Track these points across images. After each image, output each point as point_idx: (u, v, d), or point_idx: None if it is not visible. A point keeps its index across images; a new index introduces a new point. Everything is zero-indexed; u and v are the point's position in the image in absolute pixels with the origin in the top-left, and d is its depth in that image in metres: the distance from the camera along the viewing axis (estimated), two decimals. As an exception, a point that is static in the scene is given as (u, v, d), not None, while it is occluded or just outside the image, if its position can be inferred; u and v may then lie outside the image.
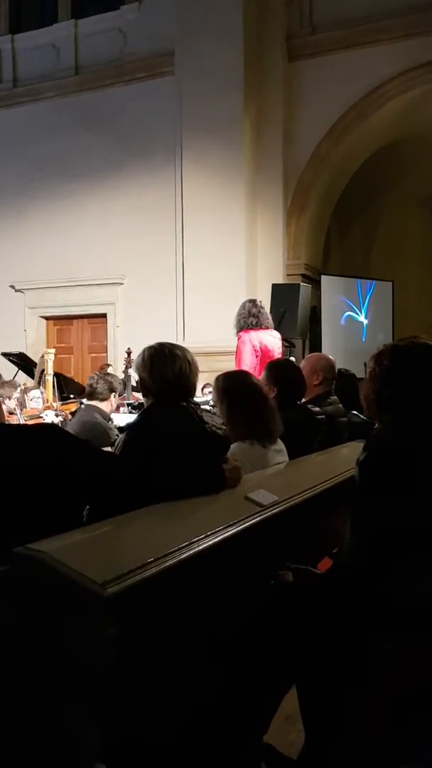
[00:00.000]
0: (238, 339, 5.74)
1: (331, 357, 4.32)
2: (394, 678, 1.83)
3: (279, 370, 3.76)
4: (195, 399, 2.54)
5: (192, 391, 2.48)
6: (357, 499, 1.97)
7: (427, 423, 1.95)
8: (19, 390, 6.09)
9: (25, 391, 6.52)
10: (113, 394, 4.74)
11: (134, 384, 7.03)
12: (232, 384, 3.04)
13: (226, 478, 2.23)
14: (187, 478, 2.14)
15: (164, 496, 2.04)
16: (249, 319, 5.74)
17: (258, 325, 5.74)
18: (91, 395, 4.74)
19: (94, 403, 4.71)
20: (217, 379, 3.09)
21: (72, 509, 2.00)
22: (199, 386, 2.74)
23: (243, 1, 9.38)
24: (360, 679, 1.87)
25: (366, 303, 10.93)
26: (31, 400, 6.48)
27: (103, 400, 4.68)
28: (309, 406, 3.84)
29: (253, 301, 5.93)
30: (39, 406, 6.40)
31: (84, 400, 4.92)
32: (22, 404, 6.12)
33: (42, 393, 6.67)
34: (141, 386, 2.54)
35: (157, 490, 2.05)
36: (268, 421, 3.00)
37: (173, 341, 2.70)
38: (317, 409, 3.83)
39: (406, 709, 1.84)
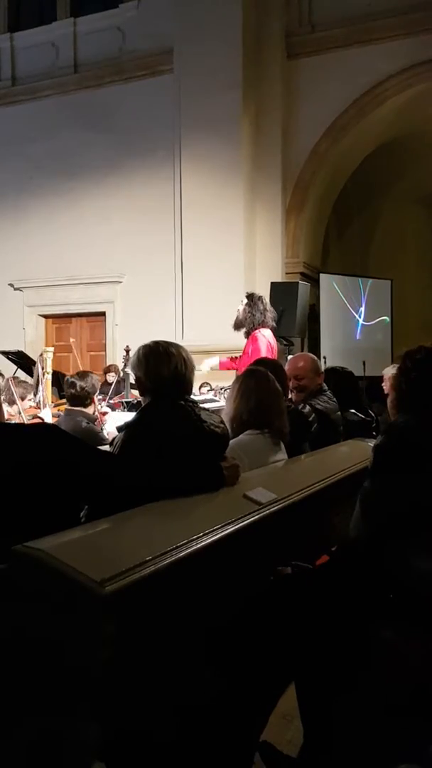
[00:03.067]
0: (254, 333, 5.79)
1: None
2: (394, 668, 1.84)
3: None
4: (193, 397, 2.55)
5: (189, 389, 2.49)
6: (368, 477, 2.09)
7: None
8: (33, 393, 5.87)
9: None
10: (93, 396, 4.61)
11: (133, 382, 7.00)
12: (259, 378, 3.10)
13: (224, 476, 2.24)
14: (186, 476, 2.14)
15: (162, 495, 2.04)
16: (266, 314, 5.80)
17: (267, 324, 5.85)
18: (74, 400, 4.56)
19: (77, 408, 4.55)
20: (244, 373, 3.20)
21: (70, 509, 2.00)
22: (196, 385, 2.74)
23: (242, -2, 9.37)
24: (359, 673, 1.87)
25: (364, 301, 10.93)
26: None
27: (86, 405, 4.55)
28: (300, 405, 3.88)
29: (261, 297, 5.96)
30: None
31: (66, 406, 4.71)
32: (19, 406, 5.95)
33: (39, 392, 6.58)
34: (137, 385, 2.53)
35: (156, 488, 2.06)
36: (285, 420, 3.07)
37: (172, 339, 2.71)
38: (308, 409, 3.86)
39: (406, 705, 1.85)
